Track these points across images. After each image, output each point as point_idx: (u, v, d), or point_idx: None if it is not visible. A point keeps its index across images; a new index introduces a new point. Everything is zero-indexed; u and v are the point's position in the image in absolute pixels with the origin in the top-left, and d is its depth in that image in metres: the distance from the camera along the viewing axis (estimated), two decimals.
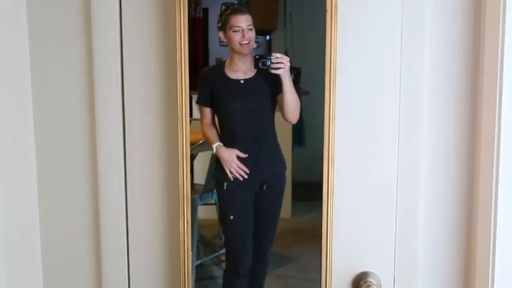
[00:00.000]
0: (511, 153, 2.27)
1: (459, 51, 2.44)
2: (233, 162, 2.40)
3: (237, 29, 2.37)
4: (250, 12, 2.40)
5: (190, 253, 2.44)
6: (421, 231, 2.52)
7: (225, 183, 2.43)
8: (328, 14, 2.29)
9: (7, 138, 2.44)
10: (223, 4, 2.44)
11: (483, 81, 2.36)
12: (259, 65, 2.32)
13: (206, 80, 2.47)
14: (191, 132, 2.58)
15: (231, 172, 2.40)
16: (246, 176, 2.41)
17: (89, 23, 2.51)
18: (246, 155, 2.41)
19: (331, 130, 2.36)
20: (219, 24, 2.42)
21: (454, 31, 2.44)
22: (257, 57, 2.34)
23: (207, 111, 2.48)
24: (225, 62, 2.49)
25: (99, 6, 2.48)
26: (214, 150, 2.43)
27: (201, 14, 2.91)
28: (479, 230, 2.41)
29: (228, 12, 2.39)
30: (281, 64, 2.31)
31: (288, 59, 2.32)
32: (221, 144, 2.43)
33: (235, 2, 2.44)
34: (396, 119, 2.47)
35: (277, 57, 2.31)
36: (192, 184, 2.71)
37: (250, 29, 2.39)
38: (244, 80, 2.44)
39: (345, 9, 2.37)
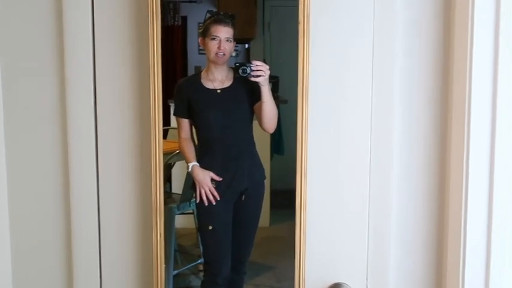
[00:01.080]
0: (480, 162, 2.31)
1: (430, 59, 2.47)
2: (206, 185, 2.40)
3: (215, 37, 2.36)
4: (233, 26, 2.40)
5: (163, 266, 2.42)
6: (393, 241, 2.54)
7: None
8: (300, 26, 2.31)
9: None
10: (208, 11, 2.43)
11: (453, 89, 2.40)
12: (239, 72, 2.31)
13: (182, 90, 2.46)
14: (168, 141, 2.57)
15: (200, 194, 2.40)
16: (214, 202, 2.39)
17: (61, 35, 2.49)
18: (221, 179, 2.40)
19: (304, 140, 2.37)
20: (200, 30, 2.42)
21: (424, 40, 2.48)
22: (237, 64, 2.33)
23: (185, 122, 2.47)
24: (201, 72, 2.48)
25: (72, 16, 2.46)
26: (190, 169, 2.41)
27: (180, 22, 2.91)
28: (450, 239, 2.43)
29: (210, 20, 2.39)
30: (261, 72, 2.30)
31: (267, 67, 2.32)
32: (197, 164, 2.41)
33: (221, 12, 2.44)
34: (368, 128, 2.49)
35: (257, 65, 2.30)
36: (170, 193, 2.71)
37: (229, 41, 2.38)
38: (221, 89, 2.43)
39: (318, 21, 2.39)
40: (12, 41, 2.53)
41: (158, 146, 2.36)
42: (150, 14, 2.31)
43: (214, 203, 2.39)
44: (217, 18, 2.38)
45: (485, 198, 2.29)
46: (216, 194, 2.39)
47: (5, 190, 2.59)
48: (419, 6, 2.45)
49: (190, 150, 2.45)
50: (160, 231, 2.37)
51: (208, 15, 2.42)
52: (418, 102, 2.49)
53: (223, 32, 2.36)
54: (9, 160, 2.59)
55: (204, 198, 2.39)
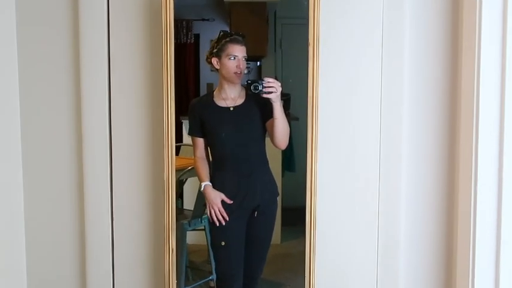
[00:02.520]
0: (488, 165, 2.31)
1: (438, 81, 2.51)
2: (216, 206, 2.40)
3: (233, 57, 2.39)
4: (245, 45, 2.43)
5: (175, 281, 2.43)
6: (403, 256, 2.54)
7: None
8: (310, 48, 2.34)
9: None
10: (222, 31, 2.46)
11: (461, 108, 2.41)
12: (251, 88, 2.33)
13: (195, 110, 2.48)
14: (181, 157, 2.58)
15: (211, 214, 2.40)
16: (224, 223, 2.40)
17: (77, 53, 2.54)
18: (232, 202, 2.41)
19: (314, 157, 2.39)
20: (215, 50, 2.43)
21: (432, 58, 2.51)
22: (249, 81, 2.35)
23: (200, 141, 2.48)
24: (213, 91, 2.50)
25: (88, 32, 2.52)
26: (202, 188, 2.42)
27: (193, 40, 2.94)
28: (459, 254, 2.44)
29: (227, 40, 2.41)
30: (273, 88, 2.32)
31: (279, 83, 2.33)
32: (209, 184, 2.42)
33: (233, 32, 2.46)
34: (377, 147, 2.51)
35: (269, 82, 2.32)
36: (182, 209, 2.71)
37: (244, 60, 2.42)
38: (234, 107, 2.45)
39: (327, 43, 2.43)
40: (31, 57, 2.60)
41: (171, 163, 2.38)
42: (164, 32, 2.35)
43: (223, 223, 2.40)
44: (233, 39, 2.41)
45: (494, 200, 2.29)
46: (225, 215, 2.40)
47: (22, 200, 2.62)
48: (427, 24, 2.49)
49: (204, 170, 2.46)
50: (172, 247, 2.38)
51: (222, 33, 2.44)
52: (427, 120, 2.51)
53: (241, 51, 2.40)
54: (25, 170, 2.64)
55: (215, 218, 2.40)
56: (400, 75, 2.48)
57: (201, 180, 2.44)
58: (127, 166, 2.57)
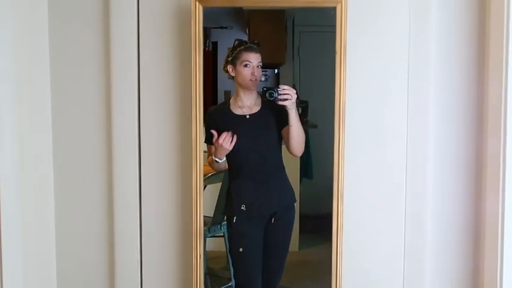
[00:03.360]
0: None
1: (464, 95, 2.50)
2: (223, 144, 2.36)
3: (248, 64, 2.41)
4: (260, 52, 2.45)
5: (203, 286, 2.45)
6: (429, 263, 2.53)
7: (235, 217, 2.44)
8: (337, 56, 2.36)
9: (25, 142, 2.48)
10: (237, 40, 2.48)
11: (488, 120, 2.40)
12: (267, 96, 2.35)
13: (212, 118, 2.49)
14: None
15: (219, 140, 2.36)
16: (232, 141, 2.37)
17: (108, 57, 2.58)
18: (215, 134, 2.37)
19: (340, 165, 2.39)
20: (230, 58, 2.46)
21: (458, 80, 2.51)
22: (265, 89, 2.36)
23: (214, 149, 2.47)
24: (229, 99, 2.52)
25: (118, 40, 2.56)
26: (217, 158, 2.40)
27: (211, 48, 2.97)
28: (487, 260, 2.42)
29: (241, 48, 2.43)
30: (288, 96, 2.33)
31: (294, 91, 2.35)
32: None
33: (247, 40, 2.48)
34: (404, 154, 2.50)
35: (284, 89, 2.33)
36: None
37: (259, 67, 2.44)
38: (250, 115, 2.47)
39: (354, 50, 2.44)
40: (63, 67, 2.64)
41: (199, 170, 2.41)
42: (193, 40, 2.40)
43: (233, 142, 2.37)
44: (248, 47, 2.44)
45: None
46: (229, 135, 2.37)
47: (52, 202, 2.67)
48: (454, 31, 2.48)
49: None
50: (199, 253, 2.42)
51: (237, 42, 2.47)
52: (454, 126, 2.50)
53: (255, 58, 2.42)
54: (56, 182, 2.68)
55: (225, 138, 2.36)
56: (427, 81, 2.49)
57: (216, 163, 2.43)
58: (155, 173, 2.61)
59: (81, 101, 2.63)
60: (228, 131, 2.43)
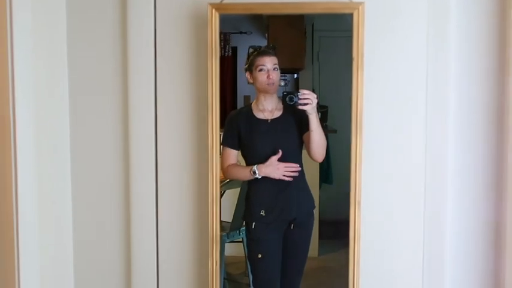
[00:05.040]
0: None
1: (484, 101, 2.47)
2: (280, 168, 2.37)
3: (263, 68, 2.40)
4: (276, 55, 2.44)
5: None
6: (449, 270, 2.49)
7: (254, 223, 2.43)
8: (354, 62, 2.35)
9: (44, 143, 2.51)
10: (250, 47, 2.48)
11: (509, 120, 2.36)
12: (287, 100, 2.34)
13: (233, 121, 2.49)
14: None
15: (285, 176, 2.36)
16: (297, 174, 2.38)
17: (126, 61, 2.60)
18: (280, 152, 2.36)
19: (357, 171, 2.37)
20: (246, 66, 2.46)
21: (477, 85, 2.48)
22: (285, 93, 2.35)
23: (233, 154, 2.48)
24: (251, 103, 2.52)
25: (135, 45, 2.57)
26: (257, 172, 2.37)
27: (230, 53, 2.98)
28: (509, 268, 2.38)
29: (255, 54, 2.43)
30: (308, 100, 2.31)
31: (315, 95, 2.33)
32: (257, 165, 2.39)
33: (262, 46, 2.48)
34: (423, 160, 2.47)
35: (304, 94, 2.32)
36: (220, 221, 2.73)
37: (275, 70, 2.42)
38: (272, 119, 2.46)
39: (371, 57, 2.42)
40: (81, 70, 2.66)
41: (215, 176, 2.41)
42: (209, 45, 2.39)
43: (297, 174, 2.38)
44: (260, 51, 2.43)
45: None
46: (293, 164, 2.37)
47: (70, 202, 2.70)
48: (472, 35, 2.46)
49: (241, 166, 2.47)
50: (216, 259, 2.41)
51: (251, 50, 2.47)
52: (473, 132, 2.47)
53: (269, 62, 2.40)
54: (73, 185, 2.71)
55: (291, 174, 2.37)
56: (446, 86, 2.46)
57: (248, 172, 2.39)
58: (172, 178, 2.62)
59: (98, 106, 2.65)
60: (249, 135, 2.44)
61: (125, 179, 2.63)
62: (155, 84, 2.58)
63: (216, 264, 2.39)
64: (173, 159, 2.61)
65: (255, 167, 2.39)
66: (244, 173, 2.43)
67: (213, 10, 2.39)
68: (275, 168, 2.39)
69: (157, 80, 2.58)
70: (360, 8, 2.33)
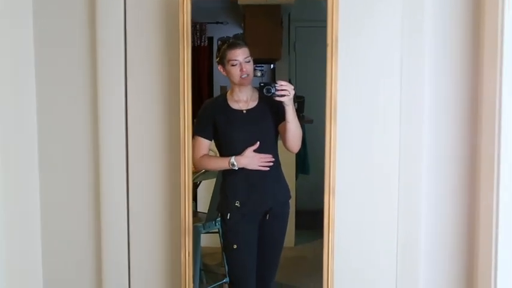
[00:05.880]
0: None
1: (458, 89, 2.48)
2: (257, 159, 2.37)
3: (234, 62, 2.38)
4: (247, 45, 2.41)
5: (191, 284, 2.44)
6: (423, 259, 2.52)
7: (229, 214, 2.42)
8: (328, 48, 2.34)
9: (10, 138, 2.47)
10: (219, 39, 2.46)
11: (483, 107, 2.38)
12: (264, 91, 2.32)
13: (208, 111, 2.47)
14: None
15: (262, 167, 2.37)
16: (272, 164, 2.38)
17: (94, 51, 2.56)
18: (258, 143, 2.36)
19: (332, 159, 2.38)
20: (218, 59, 2.44)
21: (452, 74, 2.49)
22: (262, 84, 2.33)
23: (205, 143, 2.45)
24: (226, 93, 2.50)
25: (105, 34, 2.54)
26: (236, 164, 2.36)
27: (206, 43, 2.96)
28: (481, 257, 2.41)
29: (224, 47, 2.40)
30: (285, 91, 2.30)
31: (292, 86, 2.32)
32: (234, 156, 2.38)
33: (231, 36, 2.45)
34: (397, 148, 2.49)
35: (281, 85, 2.31)
36: (196, 212, 2.72)
37: (248, 62, 2.39)
38: (247, 110, 2.45)
39: (346, 43, 2.42)
40: (47, 59, 2.62)
41: (187, 166, 2.39)
42: (181, 35, 2.36)
43: (272, 165, 2.39)
44: (230, 43, 2.39)
45: None
46: (267, 155, 2.38)
47: (38, 201, 2.66)
48: (447, 24, 2.46)
49: (216, 157, 2.45)
50: (188, 250, 2.40)
51: (219, 42, 2.44)
52: (448, 119, 2.49)
53: (241, 54, 2.38)
54: (42, 178, 2.67)
55: (267, 164, 2.38)
56: (421, 75, 2.46)
57: (225, 164, 2.38)
58: (143, 169, 2.59)
59: (67, 96, 2.62)
60: (224, 125, 2.42)
61: (95, 170, 2.60)
62: (125, 74, 2.55)
63: (188, 256, 2.38)
64: (145, 150, 2.58)
65: (233, 159, 2.38)
66: (220, 164, 2.42)
67: None
68: (252, 159, 2.39)
69: (127, 70, 2.55)
70: None
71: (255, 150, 2.39)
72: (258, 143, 2.39)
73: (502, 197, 2.26)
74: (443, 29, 2.46)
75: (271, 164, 2.40)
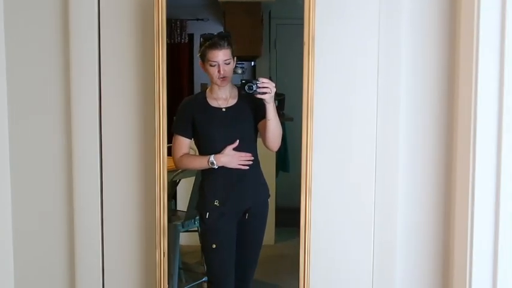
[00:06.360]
0: (486, 168, 2.30)
1: (435, 79, 2.49)
2: (236, 157, 2.36)
3: (213, 63, 2.36)
4: (230, 45, 2.39)
5: (166, 285, 2.42)
6: (399, 257, 2.53)
7: (208, 213, 2.41)
8: (305, 47, 2.33)
9: None
10: (202, 36, 2.43)
11: (458, 108, 2.40)
12: (246, 88, 2.30)
13: (187, 109, 2.44)
14: None
15: (241, 165, 2.36)
16: (251, 163, 2.38)
17: (67, 48, 2.53)
18: (237, 142, 2.35)
19: (308, 158, 2.38)
20: (199, 54, 2.42)
21: (428, 73, 2.50)
22: (243, 81, 2.32)
23: (185, 142, 2.43)
24: (205, 90, 2.48)
25: (78, 31, 2.51)
26: (215, 162, 2.34)
27: (187, 40, 2.94)
28: (457, 255, 2.43)
29: (206, 45, 2.37)
30: (267, 89, 2.29)
31: (273, 84, 2.31)
32: (214, 155, 2.36)
33: (215, 34, 2.43)
34: (373, 147, 2.50)
35: (263, 82, 2.29)
36: (175, 211, 2.71)
37: (228, 63, 2.37)
38: (226, 108, 2.43)
39: (323, 42, 2.42)
40: (20, 56, 2.59)
41: (162, 167, 2.37)
42: (156, 32, 2.34)
43: (251, 163, 2.38)
44: (212, 43, 2.36)
45: (492, 201, 2.29)
46: (246, 154, 2.37)
47: (9, 203, 2.62)
48: (424, 22, 2.48)
49: (195, 156, 2.43)
50: (163, 250, 2.38)
51: (202, 39, 2.41)
52: (424, 120, 2.50)
53: (221, 56, 2.35)
54: (13, 179, 2.63)
55: (247, 163, 2.37)
56: (397, 75, 2.47)
57: (205, 162, 2.36)
58: (118, 167, 2.57)
59: (39, 97, 2.59)
60: (203, 123, 2.40)
61: (68, 169, 2.58)
62: (99, 74, 2.53)
63: (164, 256, 2.36)
64: (119, 149, 2.56)
65: (212, 157, 2.36)
66: (200, 163, 2.40)
67: None
68: (231, 158, 2.37)
69: (101, 69, 2.53)
70: None
71: (234, 149, 2.38)
72: (238, 141, 2.37)
73: (477, 198, 2.27)
74: (421, 26, 2.47)
75: (251, 162, 2.39)
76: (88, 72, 2.51)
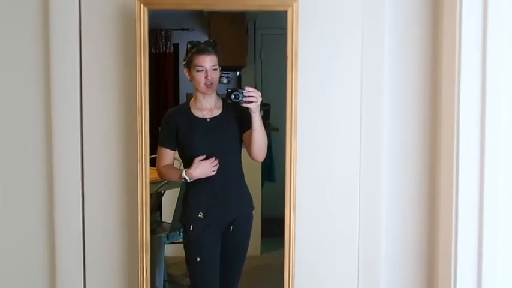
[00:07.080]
0: (469, 169, 2.30)
1: (418, 98, 2.51)
2: (208, 166, 2.33)
3: (200, 68, 2.35)
4: (217, 53, 2.39)
5: None
6: (383, 268, 2.53)
7: (191, 225, 2.39)
8: (288, 61, 2.34)
9: None
10: (189, 43, 2.42)
11: (442, 121, 2.41)
12: (232, 97, 2.29)
13: (171, 120, 2.43)
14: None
15: (214, 171, 2.34)
16: (216, 163, 2.35)
17: (48, 58, 2.50)
18: (204, 156, 2.33)
19: (292, 169, 2.37)
20: (185, 62, 2.41)
21: (411, 82, 2.51)
22: (229, 90, 2.31)
23: (170, 154, 2.42)
24: (189, 101, 2.47)
25: (59, 40, 2.48)
26: (187, 177, 2.32)
27: (172, 50, 2.93)
28: (441, 268, 2.43)
29: (193, 51, 2.37)
30: (253, 98, 2.28)
31: (259, 93, 2.30)
32: (185, 169, 2.35)
33: (202, 41, 2.43)
34: (357, 158, 2.50)
35: (249, 91, 2.29)
36: (160, 222, 2.69)
37: (215, 70, 2.37)
38: (211, 118, 2.42)
39: (306, 55, 2.42)
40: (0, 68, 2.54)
41: (145, 179, 2.34)
42: (138, 42, 2.33)
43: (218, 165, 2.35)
44: (199, 49, 2.36)
45: (476, 208, 2.29)
46: (212, 160, 2.34)
47: None
48: (406, 33, 2.49)
49: (173, 169, 2.42)
50: (146, 267, 2.34)
51: (189, 46, 2.40)
52: (407, 132, 2.51)
53: (208, 62, 2.35)
54: None
55: (215, 168, 2.34)
56: (380, 87, 2.48)
57: (179, 176, 2.35)
58: (99, 181, 2.53)
59: (19, 103, 2.56)
60: (187, 134, 2.39)
61: (48, 180, 2.55)
62: (80, 86, 2.50)
63: (146, 273, 2.33)
64: (101, 161, 2.54)
65: (183, 173, 2.34)
66: (175, 176, 2.39)
67: (141, 5, 2.32)
68: (203, 168, 2.34)
69: (82, 78, 2.51)
70: (294, 5, 2.32)
71: (219, 161, 2.36)
72: (205, 156, 2.35)
73: (460, 211, 2.28)
74: (404, 39, 2.49)
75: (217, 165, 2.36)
76: (69, 85, 2.49)
